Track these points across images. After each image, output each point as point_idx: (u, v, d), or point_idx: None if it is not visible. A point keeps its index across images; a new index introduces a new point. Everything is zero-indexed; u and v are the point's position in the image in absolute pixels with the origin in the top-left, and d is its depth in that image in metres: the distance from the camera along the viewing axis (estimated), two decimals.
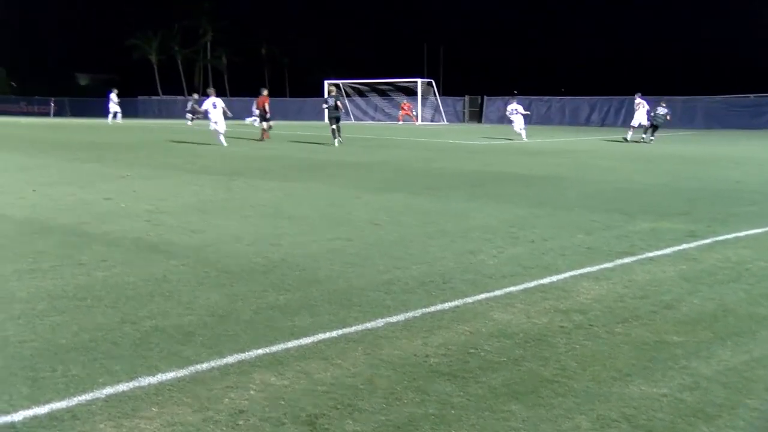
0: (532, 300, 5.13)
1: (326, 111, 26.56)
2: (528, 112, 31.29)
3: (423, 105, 51.08)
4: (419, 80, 51.47)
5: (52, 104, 66.65)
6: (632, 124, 27.55)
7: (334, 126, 25.65)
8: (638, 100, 27.92)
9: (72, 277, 5.61)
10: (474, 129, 38.58)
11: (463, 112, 52.84)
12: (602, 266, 6.12)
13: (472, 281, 5.61)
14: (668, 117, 27.17)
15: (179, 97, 74.54)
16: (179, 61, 79.92)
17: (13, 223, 8.02)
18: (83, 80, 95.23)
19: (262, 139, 26.94)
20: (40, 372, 3.74)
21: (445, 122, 50.49)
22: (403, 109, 50.85)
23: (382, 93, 54.27)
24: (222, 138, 25.53)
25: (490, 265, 6.16)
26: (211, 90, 28.62)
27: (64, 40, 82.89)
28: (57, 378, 3.66)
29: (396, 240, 7.21)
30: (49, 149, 20.28)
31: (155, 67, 79.30)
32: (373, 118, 53.96)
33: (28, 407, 3.33)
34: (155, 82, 78.95)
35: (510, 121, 29.30)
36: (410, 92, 52.21)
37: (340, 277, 5.69)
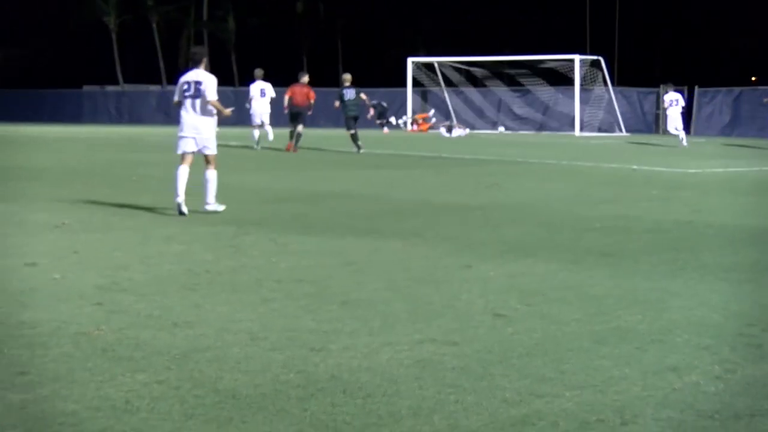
0: None
1: (344, 108, 32.34)
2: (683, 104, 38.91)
3: (587, 102, 51.09)
4: (577, 58, 51.64)
5: None
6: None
7: (353, 130, 31.64)
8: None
9: None
10: (676, 145, 38.21)
11: (656, 115, 52.59)
12: None
13: (678, 423, 5.53)
14: None
15: (153, 88, 76.77)
16: (154, 26, 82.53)
17: None
18: None
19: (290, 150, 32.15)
20: None
21: (623, 132, 50.35)
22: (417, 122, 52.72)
23: (512, 81, 54.62)
24: (257, 139, 32.88)
25: (709, 393, 6.08)
26: (258, 71, 32.11)
27: None
28: None
29: (537, 345, 7.20)
30: None
31: (114, 35, 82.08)
32: (494, 124, 54.31)
33: None
34: (113, 62, 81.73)
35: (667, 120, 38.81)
36: (562, 78, 52.38)
37: (436, 411, 5.69)
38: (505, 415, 5.65)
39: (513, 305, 8.57)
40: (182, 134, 14.95)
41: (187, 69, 15.26)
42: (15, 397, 5.87)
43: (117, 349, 6.99)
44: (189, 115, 14.86)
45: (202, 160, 14.88)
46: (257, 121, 33.28)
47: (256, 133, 32.97)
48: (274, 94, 33.41)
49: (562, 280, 9.81)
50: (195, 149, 14.90)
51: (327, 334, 7.48)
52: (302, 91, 32.37)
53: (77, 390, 6.02)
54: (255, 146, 32.77)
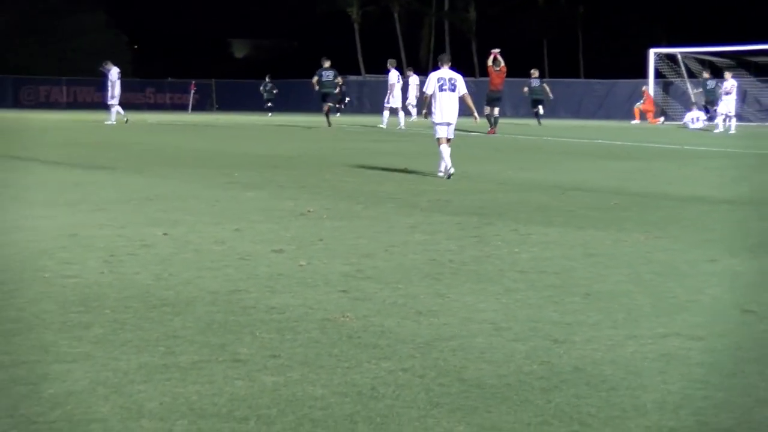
0: None
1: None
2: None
3: None
4: None
5: (192, 92, 72.45)
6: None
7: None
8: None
9: (225, 382, 5.99)
10: None
11: None
12: None
13: None
14: None
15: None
16: (396, 17, 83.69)
17: (138, 287, 8.73)
18: (240, 49, 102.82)
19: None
20: None
21: None
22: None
23: (760, 70, 52.85)
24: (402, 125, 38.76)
25: None
26: (391, 61, 36.30)
27: None
28: None
29: None
30: (189, 167, 22.05)
31: (356, 26, 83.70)
32: (736, 116, 52.65)
33: None
34: (356, 52, 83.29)
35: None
36: None
37: (682, 407, 5.59)
38: (760, 416, 5.50)
39: (764, 301, 8.35)
40: (439, 122, 18.61)
41: (437, 67, 19.39)
42: (267, 379, 6.06)
43: (362, 336, 7.12)
44: (445, 106, 18.52)
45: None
46: (392, 105, 41.94)
47: (401, 116, 41.33)
48: (418, 82, 40.40)
49: None
50: (447, 135, 18.55)
51: (570, 325, 7.45)
52: (501, 77, 36.85)
53: (324, 375, 6.17)
54: (400, 126, 40.50)
